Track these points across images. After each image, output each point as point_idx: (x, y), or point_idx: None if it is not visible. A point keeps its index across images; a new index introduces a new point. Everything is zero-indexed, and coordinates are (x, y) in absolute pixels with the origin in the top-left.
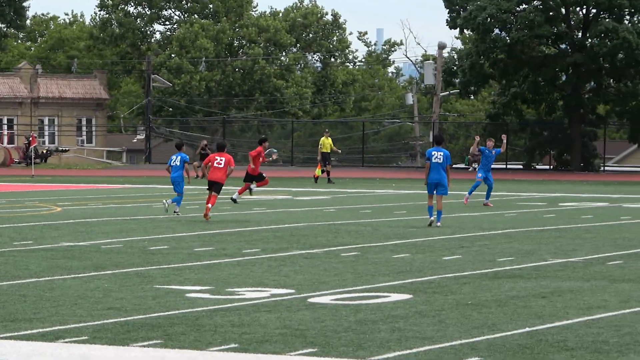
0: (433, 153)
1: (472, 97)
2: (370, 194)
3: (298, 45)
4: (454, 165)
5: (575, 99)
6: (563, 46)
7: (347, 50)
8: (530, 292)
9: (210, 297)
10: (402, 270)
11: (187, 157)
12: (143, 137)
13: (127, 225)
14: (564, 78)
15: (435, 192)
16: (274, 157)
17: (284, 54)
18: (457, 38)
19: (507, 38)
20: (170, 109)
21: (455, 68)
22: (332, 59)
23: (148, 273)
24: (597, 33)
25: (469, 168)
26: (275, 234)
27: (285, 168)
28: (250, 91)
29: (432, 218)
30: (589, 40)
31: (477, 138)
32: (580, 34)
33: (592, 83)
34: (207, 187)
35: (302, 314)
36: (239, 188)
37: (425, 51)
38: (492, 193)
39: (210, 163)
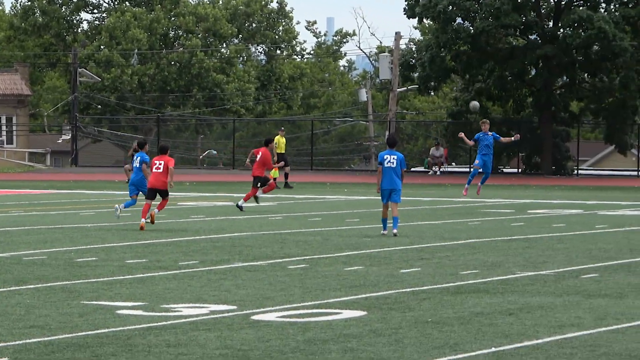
0: (386, 157)
1: (432, 94)
2: (320, 201)
3: (240, 36)
4: (412, 169)
5: (545, 95)
6: (532, 37)
7: (294, 42)
8: (497, 309)
9: (143, 314)
10: (355, 285)
11: (148, 157)
12: (69, 137)
13: (51, 235)
14: (533, 72)
15: (389, 199)
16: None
17: (224, 45)
18: (415, 28)
19: (471, 28)
20: (99, 107)
21: (413, 61)
22: (278, 51)
23: (75, 287)
24: (569, 22)
25: (429, 172)
26: (215, 245)
27: (226, 171)
28: (187, 87)
29: (384, 232)
30: (561, 30)
31: (461, 135)
32: (551, 23)
33: (565, 78)
34: (145, 195)
35: (245, 333)
36: (245, 195)
37: (381, 42)
38: (448, 198)
39: (152, 167)
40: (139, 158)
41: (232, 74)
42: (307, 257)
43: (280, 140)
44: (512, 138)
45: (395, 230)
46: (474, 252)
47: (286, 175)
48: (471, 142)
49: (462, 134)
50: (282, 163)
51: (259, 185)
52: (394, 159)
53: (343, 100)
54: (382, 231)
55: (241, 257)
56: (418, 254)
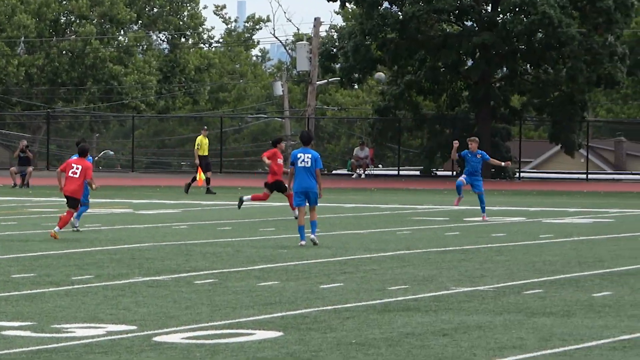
0: (299, 155)
1: (356, 87)
2: (231, 208)
3: (140, 22)
4: (334, 172)
5: (483, 88)
6: (468, 23)
7: (200, 29)
8: (429, 329)
9: (31, 336)
10: (269, 302)
11: (91, 159)
12: None
13: None
14: (469, 63)
15: (307, 201)
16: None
17: (122, 32)
18: (337, 13)
19: (399, 13)
20: None
21: (334, 50)
22: (182, 39)
23: None
24: (510, 7)
25: (353, 175)
26: (112, 257)
27: (125, 175)
28: (80, 79)
29: (302, 242)
30: (501, 16)
31: (456, 144)
32: (489, 7)
33: (505, 69)
34: (66, 202)
35: (146, 356)
36: (254, 194)
37: (298, 30)
38: (373, 205)
39: (66, 170)
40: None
41: (130, 64)
42: (216, 271)
43: (202, 141)
44: (503, 164)
45: (313, 236)
46: (403, 265)
47: (207, 180)
48: (455, 156)
49: (456, 144)
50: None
51: (283, 192)
52: (308, 157)
53: (256, 95)
54: (300, 242)
55: (142, 271)
56: (340, 267)
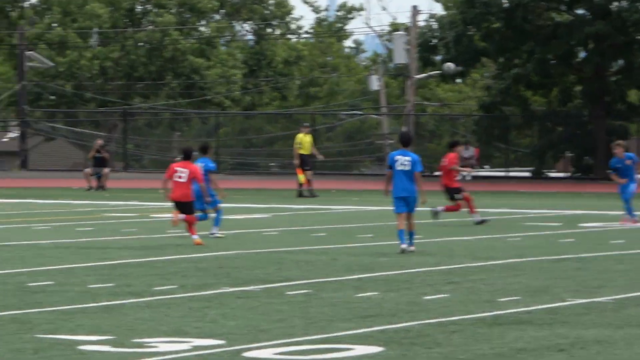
0: (397, 158)
1: (459, 81)
2: (325, 212)
3: (223, 11)
4: (436, 173)
5: (597, 82)
6: (580, 12)
7: (288, 18)
8: (543, 344)
9: (110, 351)
10: (368, 314)
11: (214, 164)
12: (16, 135)
13: None
14: (582, 55)
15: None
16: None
17: (203, 22)
18: (436, 1)
19: (505, 1)
20: (53, 98)
21: (435, 41)
22: (269, 30)
23: (27, 318)
24: None
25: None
26: (197, 266)
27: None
28: (159, 73)
29: (403, 245)
30: (615, 3)
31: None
32: None
33: (621, 61)
34: (176, 209)
35: None
36: (447, 205)
37: (395, 19)
38: (481, 209)
39: (171, 176)
40: (203, 164)
41: (213, 57)
42: (310, 281)
43: (303, 139)
44: None
45: (412, 247)
46: (514, 274)
47: (307, 182)
48: (618, 179)
49: (614, 177)
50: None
51: (455, 197)
52: (407, 160)
53: (350, 90)
54: (401, 245)
55: (229, 280)
56: (446, 276)
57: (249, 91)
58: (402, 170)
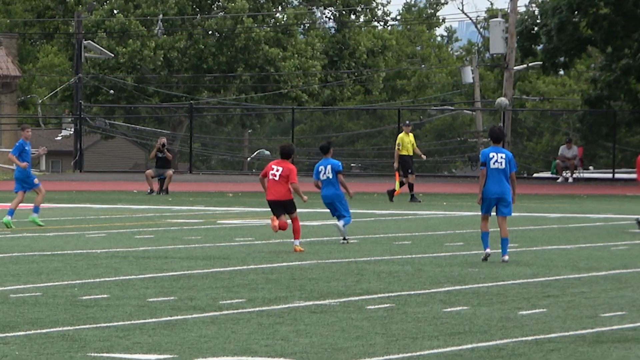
0: (492, 155)
1: (562, 73)
2: (410, 217)
3: None
4: (535, 175)
5: None
6: None
7: (374, 4)
8: None
9: None
10: (457, 331)
11: (340, 164)
12: (71, 133)
13: (48, 264)
14: None
15: (495, 211)
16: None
17: (279, 9)
18: None
19: None
20: (112, 92)
21: (536, 29)
22: (352, 17)
23: (80, 335)
24: None
25: (558, 178)
26: (268, 277)
27: None
28: (229, 64)
29: (487, 250)
30: None
31: None
32: None
33: None
34: (271, 210)
35: None
36: None
37: (491, 4)
38: (582, 215)
39: (267, 173)
40: (329, 166)
41: (290, 47)
42: (393, 294)
43: (405, 139)
44: None
45: (506, 257)
46: (619, 287)
47: (410, 186)
48: None
49: None
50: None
51: None
52: (502, 157)
53: (440, 83)
54: (485, 249)
55: (303, 293)
56: (543, 289)
57: (329, 84)
58: (496, 169)
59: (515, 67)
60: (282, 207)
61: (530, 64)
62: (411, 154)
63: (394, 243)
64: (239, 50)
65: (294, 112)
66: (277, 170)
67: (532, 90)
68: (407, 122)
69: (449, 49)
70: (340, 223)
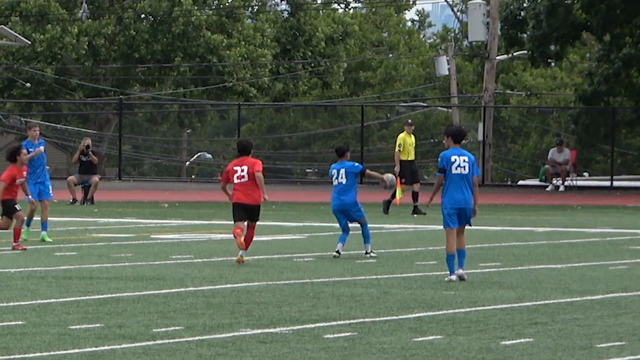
0: (453, 158)
1: (553, 64)
2: (375, 232)
3: None
4: (521, 182)
5: None
6: None
7: None
8: None
9: None
10: None
11: (360, 166)
12: None
13: None
14: None
15: (458, 222)
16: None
17: None
18: None
19: None
20: (28, 85)
21: (522, 13)
22: None
23: None
24: None
25: (548, 186)
26: (209, 301)
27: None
28: (165, 54)
29: (453, 277)
30: None
31: None
32: None
33: None
34: (233, 215)
35: None
36: None
37: None
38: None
39: (229, 178)
40: (343, 169)
41: (236, 33)
42: (355, 321)
43: (406, 140)
44: None
45: (462, 271)
46: (617, 313)
47: (415, 195)
48: None
49: None
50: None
51: None
52: (464, 161)
53: (411, 75)
54: (450, 275)
55: (251, 320)
56: (530, 315)
57: (281, 77)
58: (459, 175)
59: (497, 57)
60: (249, 212)
61: (515, 54)
62: (413, 158)
63: (356, 262)
64: (177, 37)
65: (240, 108)
66: (242, 170)
67: (517, 85)
68: (410, 121)
69: (421, 36)
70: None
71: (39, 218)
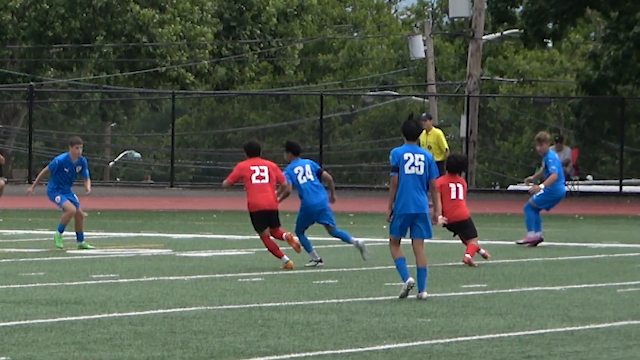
0: (406, 156)
1: (550, 46)
2: (337, 246)
3: None
4: (512, 187)
5: None
6: None
7: None
8: None
9: None
10: None
11: (317, 164)
12: None
13: None
14: None
15: (410, 233)
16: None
17: None
18: None
19: None
20: None
21: None
22: None
23: None
24: None
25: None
26: (137, 330)
27: (160, 192)
28: (85, 32)
29: (409, 280)
30: None
31: None
32: None
33: None
34: (254, 225)
35: None
36: None
37: None
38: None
39: (247, 180)
40: (307, 165)
41: (169, 7)
42: (312, 354)
43: (423, 139)
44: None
45: (424, 294)
46: (627, 345)
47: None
48: None
49: None
50: None
51: None
52: (420, 160)
53: (380, 58)
54: (405, 280)
55: (187, 352)
56: (521, 347)
57: (224, 60)
58: (413, 176)
59: (484, 37)
60: (270, 218)
61: (505, 33)
62: (441, 159)
63: (313, 282)
64: (98, 12)
65: (174, 98)
66: (262, 171)
67: (508, 70)
68: (425, 114)
69: (392, 11)
70: (360, 240)
71: None
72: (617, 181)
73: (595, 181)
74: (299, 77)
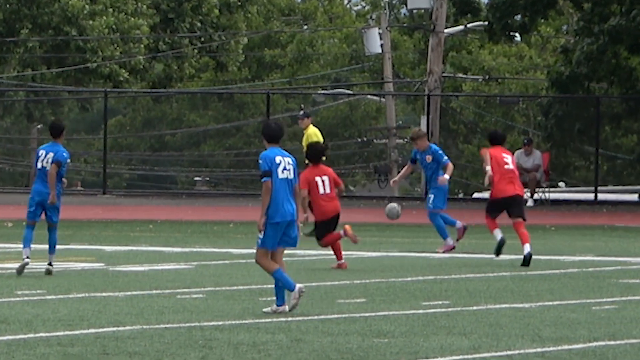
0: (278, 159)
1: (518, 39)
2: (285, 259)
3: None
4: (478, 194)
5: None
6: None
7: None
8: None
9: None
10: None
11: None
12: None
13: None
14: None
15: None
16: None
17: None
18: None
19: None
20: None
21: None
22: None
23: None
24: None
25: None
26: (66, 351)
27: (91, 199)
28: (8, 25)
29: (298, 287)
30: None
31: None
32: None
33: None
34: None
35: None
36: None
37: None
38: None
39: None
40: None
41: None
42: None
43: (311, 133)
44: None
45: (269, 309)
46: None
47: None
48: None
49: None
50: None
51: None
52: (289, 163)
53: (332, 54)
54: (291, 292)
55: None
56: None
57: (161, 55)
58: (285, 180)
59: (446, 30)
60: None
61: (469, 26)
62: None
63: (259, 299)
64: (23, 2)
65: (107, 97)
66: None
67: (472, 66)
68: (302, 112)
69: (345, 2)
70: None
71: None
72: (592, 188)
73: (568, 188)
74: (243, 74)
